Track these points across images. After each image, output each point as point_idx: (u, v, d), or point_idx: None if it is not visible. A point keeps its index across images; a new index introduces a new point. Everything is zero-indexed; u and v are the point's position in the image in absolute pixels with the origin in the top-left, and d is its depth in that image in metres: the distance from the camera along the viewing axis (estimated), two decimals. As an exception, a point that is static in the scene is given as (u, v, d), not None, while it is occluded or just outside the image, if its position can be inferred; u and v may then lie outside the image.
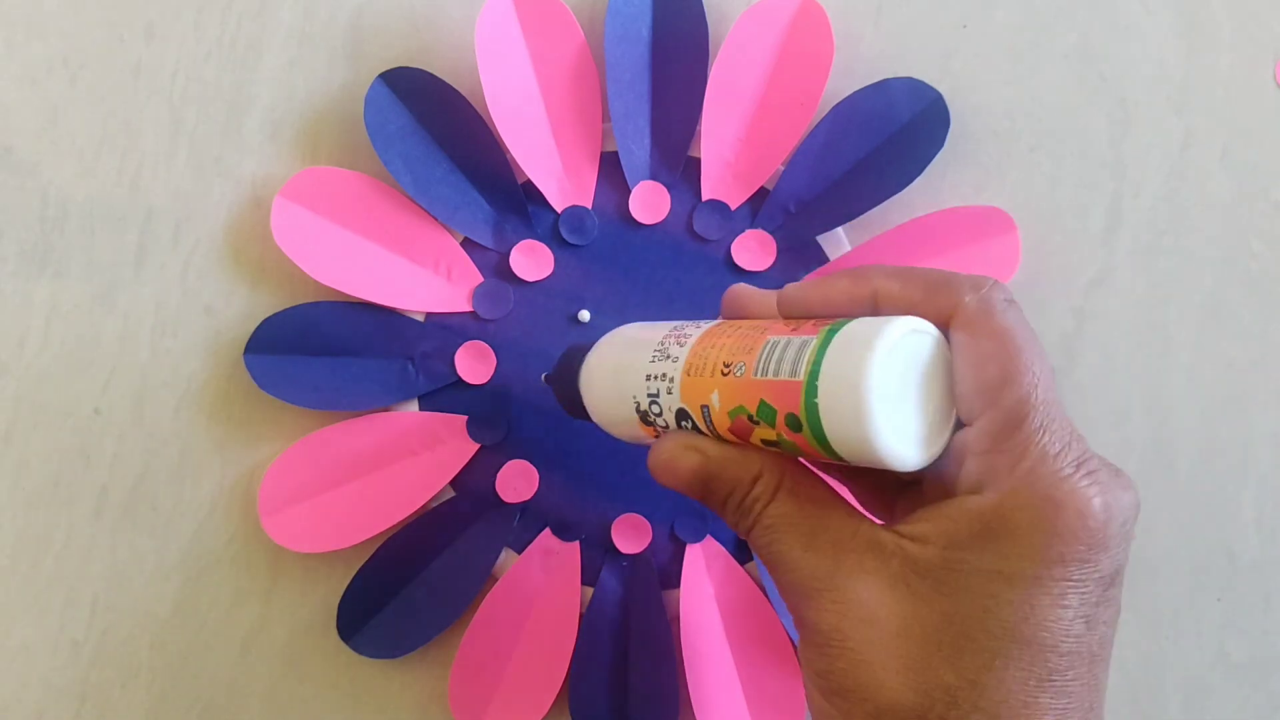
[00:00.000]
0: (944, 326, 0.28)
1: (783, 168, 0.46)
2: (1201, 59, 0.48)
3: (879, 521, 0.30)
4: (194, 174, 0.46)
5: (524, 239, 0.46)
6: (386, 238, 0.45)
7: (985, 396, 0.27)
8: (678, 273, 0.46)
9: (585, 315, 0.46)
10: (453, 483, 0.46)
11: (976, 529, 0.27)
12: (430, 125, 0.45)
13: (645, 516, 0.46)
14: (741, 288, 0.34)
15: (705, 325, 0.32)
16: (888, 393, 0.26)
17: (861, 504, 0.33)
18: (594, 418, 0.37)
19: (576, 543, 0.46)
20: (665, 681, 0.45)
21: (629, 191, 0.46)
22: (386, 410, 0.45)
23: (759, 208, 0.46)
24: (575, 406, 0.38)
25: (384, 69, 0.44)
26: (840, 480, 0.34)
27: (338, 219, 0.45)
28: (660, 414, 0.32)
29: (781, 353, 0.28)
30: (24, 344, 0.45)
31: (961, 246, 0.46)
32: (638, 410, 0.33)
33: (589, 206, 0.46)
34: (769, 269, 0.46)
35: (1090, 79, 0.48)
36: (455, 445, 0.45)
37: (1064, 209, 0.47)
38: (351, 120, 0.46)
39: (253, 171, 0.46)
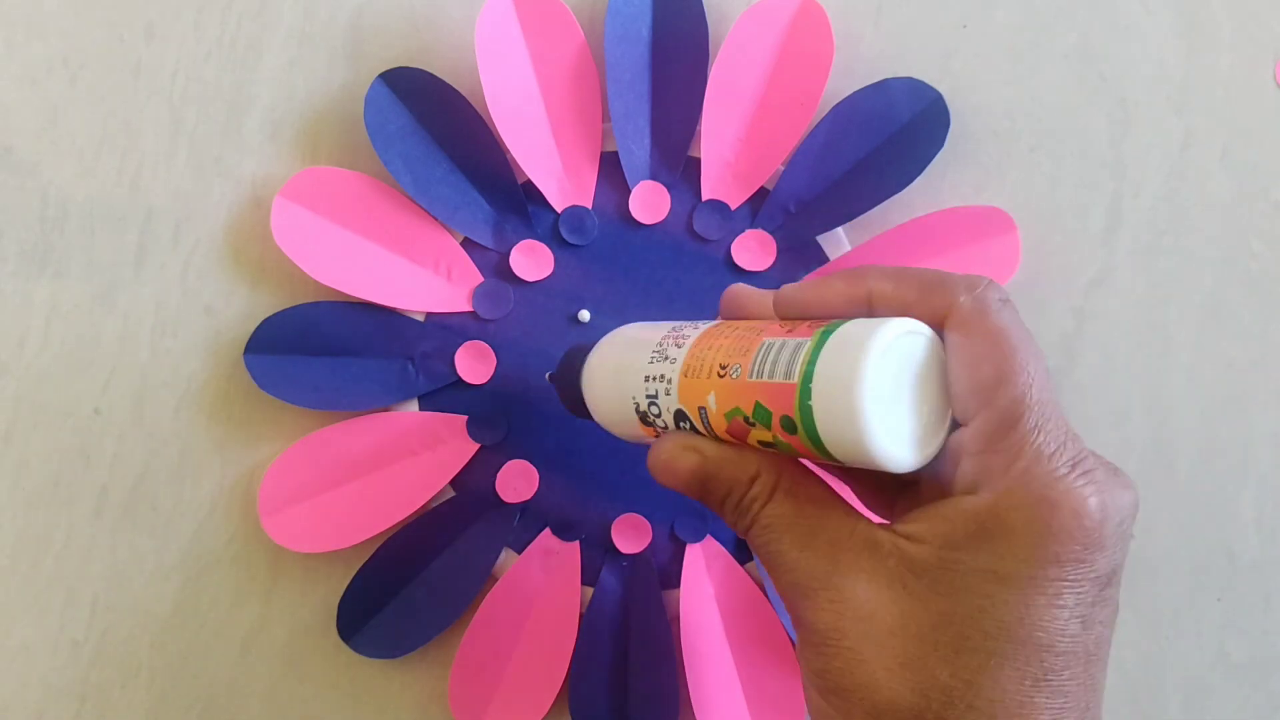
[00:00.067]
0: (939, 327, 0.28)
1: (783, 168, 0.46)
2: (1201, 59, 0.48)
3: (878, 520, 0.30)
4: (194, 174, 0.46)
5: (524, 239, 0.46)
6: (386, 238, 0.45)
7: (980, 397, 0.27)
8: (678, 273, 0.46)
9: (585, 315, 0.46)
10: (453, 483, 0.46)
11: (972, 529, 0.27)
12: (430, 125, 0.45)
13: (645, 516, 0.46)
14: (739, 288, 0.34)
15: (703, 326, 0.32)
16: (881, 394, 0.26)
17: (862, 503, 0.33)
18: (595, 417, 0.37)
19: (576, 543, 0.46)
20: (665, 681, 0.45)
21: (629, 191, 0.46)
22: (386, 410, 0.45)
23: (759, 208, 0.46)
24: (577, 406, 0.38)
25: (384, 69, 0.44)
26: (841, 479, 0.34)
27: (338, 219, 0.45)
28: (659, 415, 0.32)
29: (776, 355, 0.28)
30: (24, 344, 0.45)
31: (961, 246, 0.46)
32: (637, 411, 0.33)
33: (589, 206, 0.46)
34: (769, 269, 0.46)
35: (1090, 79, 0.48)
36: (455, 445, 0.45)
37: (1064, 209, 0.47)
38: (351, 120, 0.46)
39: (253, 171, 0.46)
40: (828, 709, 0.28)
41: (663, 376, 0.32)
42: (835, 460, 0.27)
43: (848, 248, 0.47)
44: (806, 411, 0.27)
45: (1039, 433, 0.26)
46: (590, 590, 0.46)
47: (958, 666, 0.26)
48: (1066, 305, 0.47)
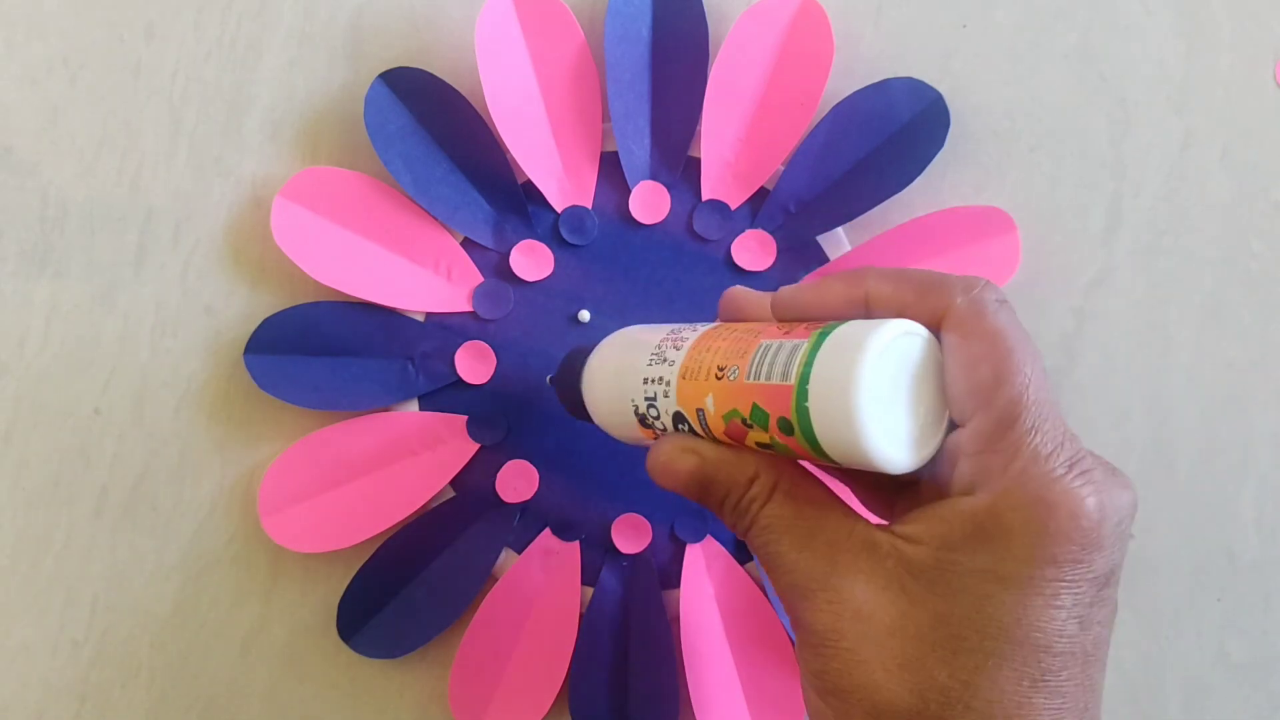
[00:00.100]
0: (936, 328, 0.28)
1: (783, 168, 0.46)
2: (1201, 59, 0.48)
3: (879, 521, 0.30)
4: (194, 174, 0.46)
5: (524, 239, 0.46)
6: (386, 238, 0.45)
7: (977, 398, 0.27)
8: (678, 273, 0.46)
9: (585, 315, 0.46)
10: (453, 483, 0.46)
11: (969, 530, 0.27)
12: (430, 125, 0.45)
13: (645, 516, 0.46)
14: (738, 290, 0.34)
15: (702, 328, 0.32)
16: (878, 396, 0.26)
17: (863, 503, 0.33)
18: (595, 419, 0.37)
19: (576, 543, 0.46)
20: (665, 681, 0.45)
21: (629, 191, 0.46)
22: (386, 410, 0.45)
23: (759, 208, 0.46)
24: (578, 408, 0.38)
25: (384, 69, 0.44)
26: (841, 480, 0.34)
27: (338, 219, 0.45)
28: (658, 417, 0.32)
29: (774, 357, 0.28)
30: (24, 344, 0.45)
31: (961, 246, 0.46)
32: (636, 413, 0.33)
33: (589, 206, 0.46)
34: (769, 269, 0.46)
35: (1090, 79, 0.48)
36: (455, 445, 0.45)
37: (1064, 209, 0.47)
38: (351, 120, 0.46)
39: (253, 171, 0.46)
40: (826, 710, 0.28)
41: (661, 379, 0.32)
42: (832, 461, 0.27)
43: (848, 248, 0.47)
44: (803, 413, 0.27)
45: (1036, 433, 0.26)
46: (590, 590, 0.46)
47: (955, 667, 0.26)
48: (1066, 305, 0.47)
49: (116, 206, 0.46)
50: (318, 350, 0.45)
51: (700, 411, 0.30)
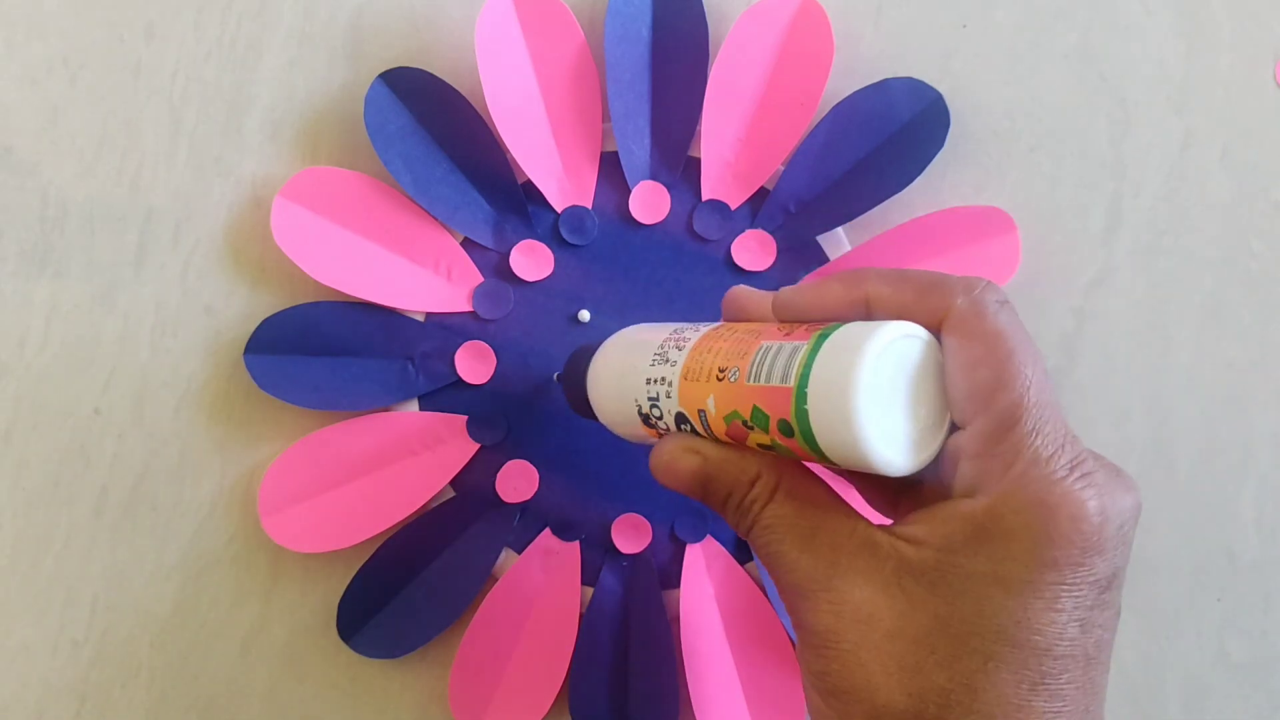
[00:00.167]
0: (936, 329, 0.28)
1: (783, 168, 0.46)
2: (1201, 59, 0.48)
3: (882, 521, 0.30)
4: (194, 174, 0.46)
5: (524, 239, 0.46)
6: (386, 238, 0.45)
7: (978, 400, 0.27)
8: (678, 273, 0.46)
9: (585, 315, 0.46)
10: (453, 483, 0.46)
11: (970, 532, 0.27)
12: (430, 125, 0.45)
13: (645, 516, 0.46)
14: (740, 290, 0.34)
15: (704, 328, 0.32)
16: (877, 398, 0.26)
17: (867, 502, 0.33)
18: (600, 418, 0.37)
19: (576, 543, 0.46)
20: (665, 681, 0.45)
21: (629, 191, 0.46)
22: (386, 410, 0.45)
23: (759, 208, 0.46)
24: (583, 406, 0.38)
25: (384, 69, 0.44)
26: (845, 479, 0.34)
27: (338, 219, 0.45)
28: (661, 417, 0.32)
29: (774, 358, 0.28)
30: (24, 344, 0.45)
31: (961, 246, 0.46)
32: (639, 413, 0.33)
33: (589, 206, 0.46)
34: (769, 269, 0.46)
35: (1090, 79, 0.48)
36: (455, 445, 0.45)
37: (1064, 209, 0.47)
38: (351, 120, 0.46)
39: (253, 171, 0.46)
40: (827, 710, 0.28)
41: (664, 379, 0.32)
42: (832, 464, 0.27)
43: (848, 248, 0.47)
44: (803, 415, 0.27)
45: (1037, 435, 0.26)
46: (590, 590, 0.46)
47: (955, 670, 0.26)
48: (1066, 305, 0.47)
49: (116, 206, 0.46)
50: (318, 350, 0.45)
51: (702, 412, 0.30)
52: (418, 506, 0.45)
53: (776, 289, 0.32)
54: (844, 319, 0.29)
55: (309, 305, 0.45)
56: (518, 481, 0.46)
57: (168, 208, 0.46)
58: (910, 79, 0.46)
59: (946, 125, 0.45)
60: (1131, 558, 0.27)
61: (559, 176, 0.46)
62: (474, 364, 0.45)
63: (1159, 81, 0.48)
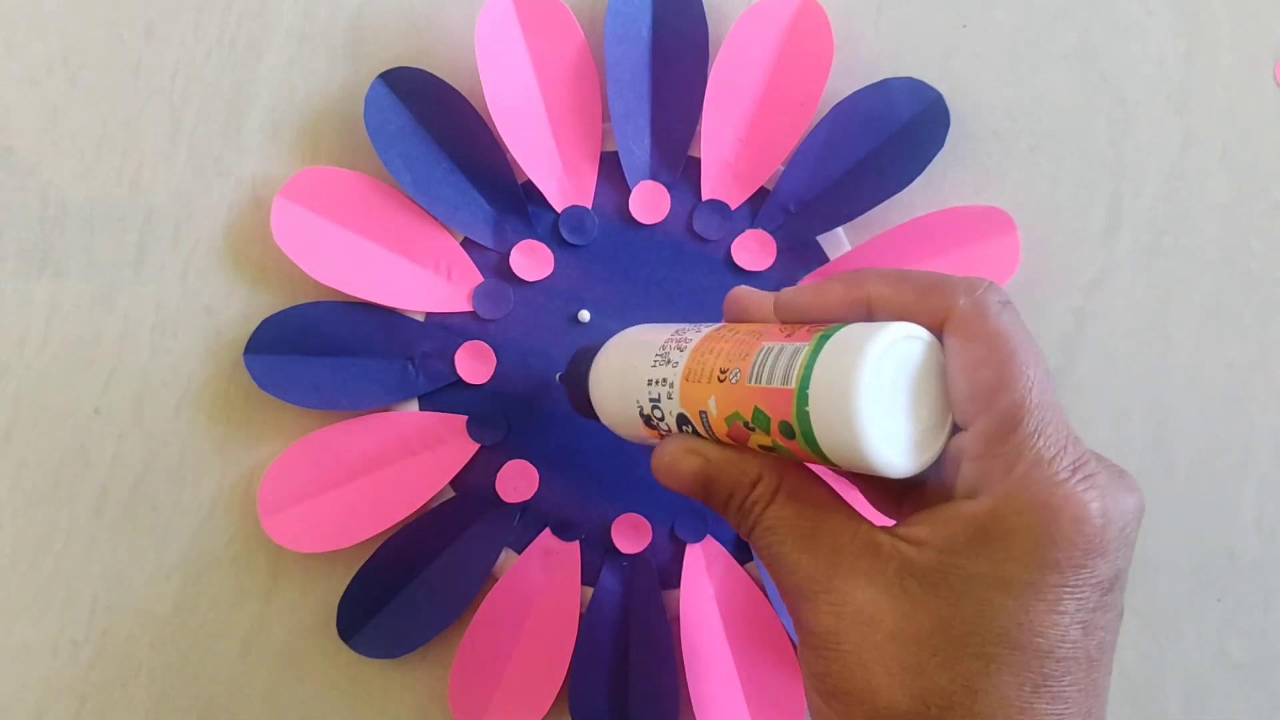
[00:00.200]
0: (938, 330, 0.28)
1: (783, 168, 0.46)
2: (1201, 59, 0.48)
3: (884, 522, 0.30)
4: (194, 174, 0.46)
5: (524, 239, 0.46)
6: (386, 238, 0.45)
7: (979, 401, 0.27)
8: (678, 273, 0.46)
9: (585, 315, 0.46)
10: (453, 483, 0.46)
11: (971, 534, 0.26)
12: (430, 125, 0.45)
13: (645, 516, 0.46)
14: (742, 290, 0.34)
15: (706, 329, 0.32)
16: (878, 399, 0.26)
17: (871, 503, 0.33)
18: (602, 419, 0.37)
19: (576, 543, 0.46)
20: (665, 681, 0.45)
21: (629, 191, 0.46)
22: (386, 410, 0.45)
23: (759, 208, 0.46)
24: (585, 407, 0.38)
25: (384, 69, 0.44)
26: (849, 480, 0.34)
27: (338, 219, 0.45)
28: (662, 418, 0.32)
29: (775, 360, 0.28)
30: (24, 344, 0.45)
31: (961, 246, 0.46)
32: (641, 413, 0.33)
33: (589, 206, 0.46)
34: (769, 269, 0.46)
35: (1090, 79, 0.47)
36: (455, 445, 0.45)
37: (1064, 209, 0.47)
38: (351, 120, 0.46)
39: (253, 171, 0.46)
40: (828, 712, 0.28)
41: (665, 380, 0.32)
42: (834, 465, 0.27)
43: (848, 248, 0.47)
44: (804, 417, 0.27)
45: (1039, 437, 0.26)
46: (590, 590, 0.46)
47: (957, 672, 0.26)
48: (1066, 305, 0.47)
49: (116, 206, 0.46)
50: (318, 350, 0.45)
51: (703, 414, 0.30)
52: (418, 506, 0.45)
53: (777, 289, 0.32)
54: (845, 320, 0.29)
55: (309, 305, 0.45)
56: (518, 481, 0.46)
57: (168, 208, 0.46)
58: (910, 79, 0.46)
59: (946, 125, 0.45)
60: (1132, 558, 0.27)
61: (559, 176, 0.46)
62: (474, 364, 0.45)
63: (1159, 81, 0.48)
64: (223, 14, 0.46)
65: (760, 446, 0.29)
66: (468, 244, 0.46)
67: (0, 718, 0.45)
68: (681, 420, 0.31)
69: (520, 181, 0.46)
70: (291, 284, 0.46)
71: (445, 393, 0.46)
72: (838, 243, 0.47)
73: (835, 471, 0.31)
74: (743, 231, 0.46)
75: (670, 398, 0.32)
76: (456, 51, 0.46)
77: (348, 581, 0.45)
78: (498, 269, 0.46)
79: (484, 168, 0.45)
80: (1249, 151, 0.47)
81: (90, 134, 0.46)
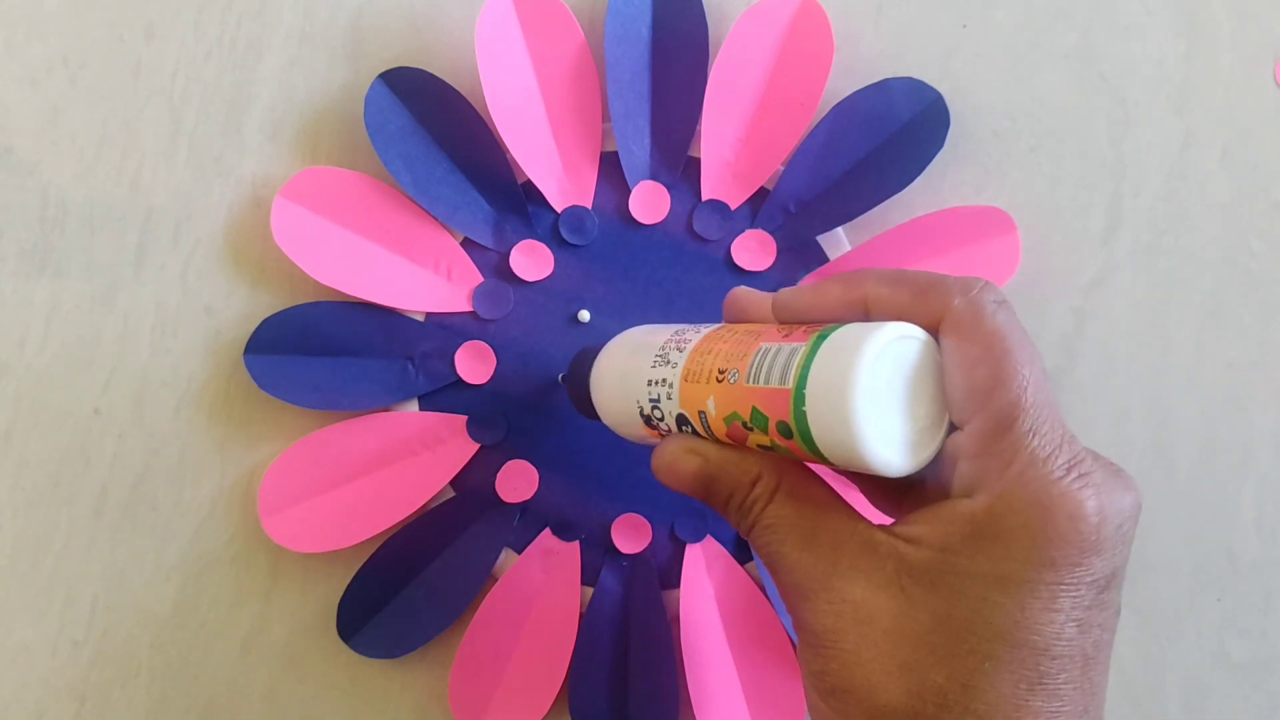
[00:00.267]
0: (934, 330, 0.28)
1: (783, 168, 0.46)
2: (1201, 59, 0.48)
3: (885, 521, 0.30)
4: (194, 174, 0.46)
5: (524, 239, 0.46)
6: (386, 238, 0.45)
7: (975, 400, 0.27)
8: (678, 273, 0.46)
9: (585, 315, 0.46)
10: (453, 483, 0.46)
11: (968, 532, 0.27)
12: (430, 125, 0.45)
13: (645, 516, 0.46)
14: (741, 291, 0.34)
15: (705, 329, 0.32)
16: (875, 399, 0.26)
17: (870, 502, 0.33)
18: (603, 419, 0.37)
19: (576, 543, 0.46)
20: (665, 681, 0.45)
21: (629, 191, 0.46)
22: (386, 410, 0.45)
23: (759, 208, 0.46)
24: (587, 407, 0.38)
25: (384, 69, 0.44)
26: (848, 479, 0.34)
27: (338, 219, 0.45)
28: (662, 418, 0.32)
29: (772, 360, 0.28)
30: (24, 344, 0.45)
31: (961, 246, 0.46)
32: (641, 414, 0.34)
33: (589, 206, 0.46)
34: (769, 269, 0.46)
35: (1090, 79, 0.47)
36: (455, 445, 0.45)
37: (1064, 209, 0.47)
38: (351, 120, 0.46)
39: (253, 171, 0.46)
40: (827, 710, 0.28)
41: (665, 380, 0.32)
42: (832, 464, 0.28)
43: (848, 248, 0.47)
44: (801, 417, 0.27)
45: (1034, 435, 0.26)
46: (590, 590, 0.46)
47: (953, 669, 0.26)
48: (1066, 305, 0.47)
49: (116, 206, 0.46)
50: (318, 350, 0.45)
51: (702, 414, 0.30)
52: (418, 506, 0.45)
53: (777, 289, 0.33)
54: (843, 320, 0.29)
55: (309, 305, 0.45)
56: (518, 481, 0.46)
57: (168, 208, 0.46)
58: (910, 79, 0.46)
59: (946, 125, 0.45)
60: (1131, 557, 0.27)
61: (559, 176, 0.46)
62: (474, 364, 0.45)
63: (1159, 81, 0.48)
64: (223, 14, 0.46)
65: (759, 446, 0.29)
66: (468, 244, 0.46)
67: (0, 718, 0.45)
68: (681, 420, 0.32)
69: (520, 181, 0.46)
70: (291, 284, 0.46)
71: (445, 393, 0.46)
72: (838, 243, 0.47)
73: (834, 470, 0.31)
74: (743, 231, 0.46)
75: (670, 398, 0.32)
76: (456, 51, 0.46)
77: (348, 581, 0.45)
78: (498, 269, 0.46)
79: (484, 168, 0.45)
80: (1249, 151, 0.47)
81: (90, 134, 0.46)
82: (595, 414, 0.38)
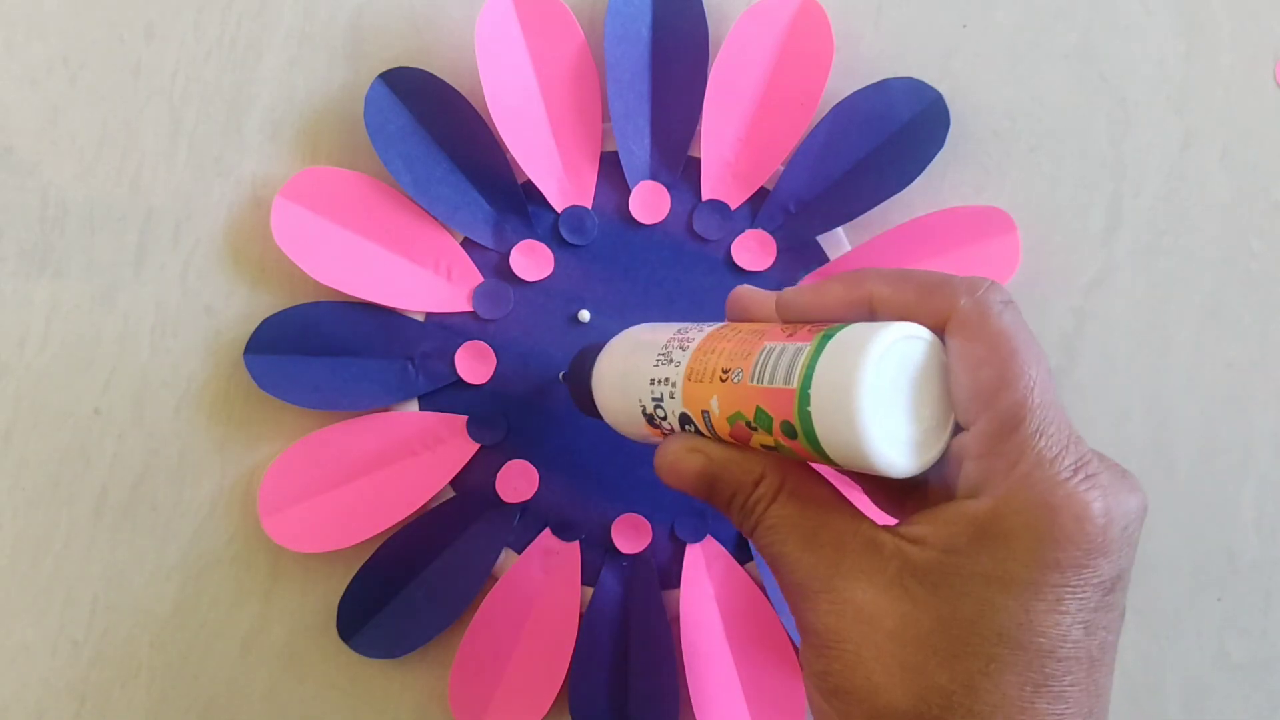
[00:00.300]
0: (940, 330, 0.28)
1: (783, 168, 0.46)
2: (1201, 59, 0.48)
3: (889, 521, 0.30)
4: (194, 174, 0.46)
5: (524, 239, 0.46)
6: (386, 238, 0.45)
7: (981, 401, 0.27)
8: (678, 273, 0.46)
9: (585, 315, 0.46)
10: (453, 483, 0.46)
11: (973, 533, 0.26)
12: (430, 125, 0.45)
13: (645, 516, 0.46)
14: (744, 290, 0.34)
15: (708, 328, 0.32)
16: (880, 399, 0.26)
17: (874, 502, 0.33)
18: (604, 418, 0.37)
19: (576, 543, 0.46)
20: (665, 681, 0.45)
21: (629, 191, 0.46)
22: (386, 410, 0.45)
23: (759, 208, 0.46)
24: (588, 405, 0.38)
25: (384, 69, 0.44)
26: (852, 479, 0.34)
27: (338, 219, 0.45)
28: (665, 417, 0.32)
29: (777, 360, 0.28)
30: (24, 344, 0.45)
31: (961, 246, 0.46)
32: (644, 413, 0.33)
33: (589, 206, 0.46)
34: (769, 269, 0.46)
35: (1090, 79, 0.48)
36: (455, 445, 0.45)
37: (1064, 209, 0.47)
38: (351, 120, 0.46)
39: (253, 171, 0.46)
40: (829, 711, 0.28)
41: (667, 380, 0.32)
42: (836, 465, 0.27)
43: (848, 248, 0.47)
44: (806, 417, 0.27)
45: (1040, 436, 0.26)
46: (590, 590, 0.46)
47: (957, 671, 0.26)
48: (1066, 305, 0.47)
49: (116, 206, 0.46)
50: (318, 350, 0.45)
51: (706, 413, 0.30)
52: (418, 506, 0.45)
53: (778, 289, 0.32)
54: (847, 319, 0.29)
55: (309, 305, 0.45)
56: (518, 481, 0.46)
57: (168, 208, 0.46)
58: (910, 79, 0.46)
59: (946, 125, 0.45)
60: (1132, 558, 0.27)
61: (559, 176, 0.46)
62: (474, 364, 0.45)
63: (1159, 81, 0.48)
64: (223, 14, 0.46)
65: (762, 446, 0.29)
66: (468, 244, 0.46)
67: (0, 718, 0.45)
68: (684, 419, 0.31)
69: (520, 181, 0.46)
70: (291, 284, 0.46)
71: (445, 393, 0.46)
72: (838, 243, 0.47)
73: (838, 471, 0.31)
74: (743, 231, 0.46)
75: (673, 397, 0.32)
76: (456, 51, 0.46)
77: (348, 581, 0.45)
78: (498, 269, 0.46)
79: (484, 168, 0.45)
80: (1249, 151, 0.47)
81: (90, 134, 0.46)
82: (596, 412, 0.38)
